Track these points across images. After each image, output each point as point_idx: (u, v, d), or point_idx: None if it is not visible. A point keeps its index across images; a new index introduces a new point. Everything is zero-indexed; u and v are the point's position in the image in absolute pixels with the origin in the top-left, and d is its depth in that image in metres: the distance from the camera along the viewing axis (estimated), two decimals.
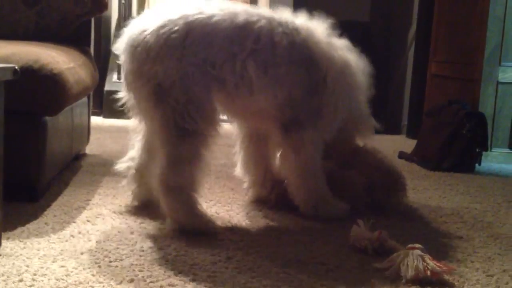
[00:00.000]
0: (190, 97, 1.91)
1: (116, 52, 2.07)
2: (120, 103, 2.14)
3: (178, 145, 1.92)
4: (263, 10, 2.12)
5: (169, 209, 1.94)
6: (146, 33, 1.93)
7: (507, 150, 3.61)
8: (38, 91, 2.12)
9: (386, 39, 5.45)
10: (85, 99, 2.93)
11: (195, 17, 1.95)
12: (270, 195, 2.35)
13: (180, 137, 1.91)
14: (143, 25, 1.97)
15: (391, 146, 4.03)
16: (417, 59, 4.72)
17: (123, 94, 2.12)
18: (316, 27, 2.19)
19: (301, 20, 2.16)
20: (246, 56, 1.99)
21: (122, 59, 2.03)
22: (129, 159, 2.22)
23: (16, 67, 1.72)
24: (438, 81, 4.19)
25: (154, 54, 1.91)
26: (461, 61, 3.85)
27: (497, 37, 3.51)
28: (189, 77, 1.91)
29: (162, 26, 1.92)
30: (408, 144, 4.03)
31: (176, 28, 1.92)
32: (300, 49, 2.09)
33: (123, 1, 4.91)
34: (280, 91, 2.08)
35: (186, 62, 1.91)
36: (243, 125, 2.34)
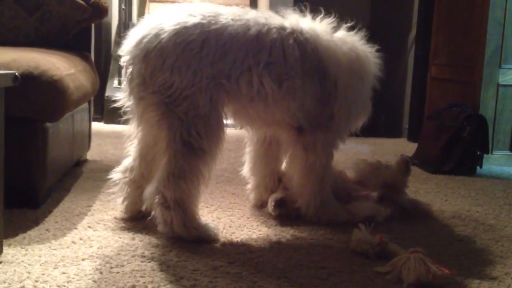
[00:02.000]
0: (200, 112, 1.89)
1: (121, 53, 1.99)
2: (118, 106, 2.06)
3: (181, 160, 1.89)
4: (270, 16, 2.08)
5: (164, 220, 1.91)
6: (161, 37, 1.87)
7: (508, 153, 3.61)
8: (39, 97, 2.12)
9: (386, 43, 5.45)
10: (85, 105, 2.94)
11: (211, 27, 1.91)
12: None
13: (184, 152, 1.89)
14: (156, 27, 1.90)
15: (393, 149, 4.03)
16: (417, 62, 4.72)
17: (123, 97, 2.04)
18: (322, 29, 2.15)
19: (308, 24, 2.12)
20: (262, 70, 1.97)
21: (128, 61, 1.95)
22: (124, 168, 2.14)
23: (17, 74, 1.72)
24: (438, 84, 4.19)
25: (171, 63, 1.86)
26: (461, 64, 3.86)
27: (497, 39, 3.51)
28: (203, 91, 1.88)
29: (178, 33, 1.87)
30: (409, 148, 4.03)
31: (192, 37, 1.87)
32: (311, 60, 2.07)
33: (123, 7, 4.93)
34: (293, 103, 2.06)
35: (203, 74, 1.88)
36: (256, 130, 2.31)
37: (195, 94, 1.88)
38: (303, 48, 2.05)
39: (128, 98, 2.01)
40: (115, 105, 2.08)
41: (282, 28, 2.05)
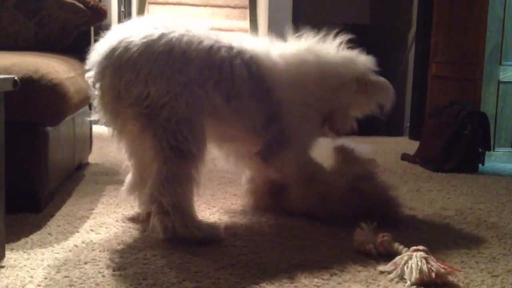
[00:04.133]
0: (180, 117, 1.90)
1: (88, 67, 1.98)
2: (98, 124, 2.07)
3: (172, 165, 1.90)
4: (221, 35, 2.09)
5: (164, 227, 1.91)
6: (132, 51, 1.88)
7: (510, 150, 3.60)
8: (39, 101, 2.12)
9: (386, 41, 5.46)
10: (86, 108, 2.94)
11: (171, 36, 1.92)
12: (274, 201, 2.36)
13: (174, 158, 1.90)
14: (123, 39, 1.91)
15: (394, 148, 4.03)
16: (417, 60, 4.72)
17: (99, 116, 2.02)
18: (263, 49, 2.16)
19: (251, 44, 2.14)
20: (213, 85, 1.99)
21: (97, 74, 1.94)
22: (129, 186, 2.20)
23: (16, 78, 1.72)
24: (439, 82, 4.18)
25: (144, 75, 1.87)
26: (462, 61, 3.85)
27: (497, 36, 3.50)
28: (178, 96, 1.90)
29: (147, 44, 1.89)
30: (411, 146, 4.02)
31: (160, 47, 1.89)
32: (257, 81, 2.09)
33: (122, 9, 4.93)
34: (241, 121, 2.10)
35: (175, 81, 1.90)
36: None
37: (171, 101, 1.89)
38: (249, 68, 2.07)
39: (104, 114, 1.99)
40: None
41: (230, 47, 2.06)
